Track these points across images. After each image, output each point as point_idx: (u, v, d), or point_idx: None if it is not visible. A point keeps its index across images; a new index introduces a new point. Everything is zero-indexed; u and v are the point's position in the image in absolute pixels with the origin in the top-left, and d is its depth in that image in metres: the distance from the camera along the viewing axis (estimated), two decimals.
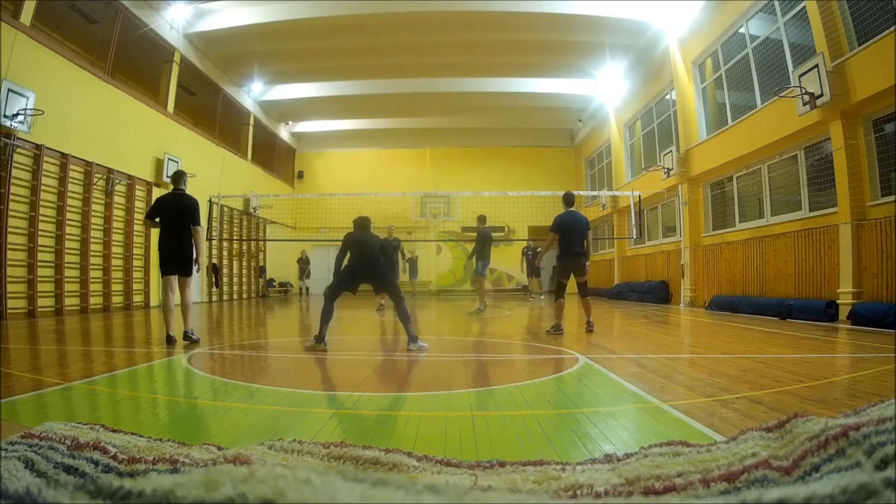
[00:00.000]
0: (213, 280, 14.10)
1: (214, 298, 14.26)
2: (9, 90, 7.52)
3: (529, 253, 13.28)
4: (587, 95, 16.66)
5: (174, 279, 5.13)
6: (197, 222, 5.18)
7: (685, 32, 11.58)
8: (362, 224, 5.04)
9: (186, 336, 4.96)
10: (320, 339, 4.61)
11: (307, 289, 15.85)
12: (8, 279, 7.69)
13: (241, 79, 15.56)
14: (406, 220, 18.43)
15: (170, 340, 4.84)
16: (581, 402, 2.66)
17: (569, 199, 6.19)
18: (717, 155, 10.48)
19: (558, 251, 5.99)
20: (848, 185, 7.10)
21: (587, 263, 6.04)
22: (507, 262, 19.49)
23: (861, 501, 0.58)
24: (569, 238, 5.90)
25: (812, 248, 7.94)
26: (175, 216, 5.09)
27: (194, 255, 5.17)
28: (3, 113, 7.41)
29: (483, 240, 9.37)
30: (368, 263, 4.81)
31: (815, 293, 7.77)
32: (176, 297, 5.19)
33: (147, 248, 10.99)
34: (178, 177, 5.31)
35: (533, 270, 13.22)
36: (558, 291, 6.05)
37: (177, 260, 5.10)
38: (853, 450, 0.96)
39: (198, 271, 5.27)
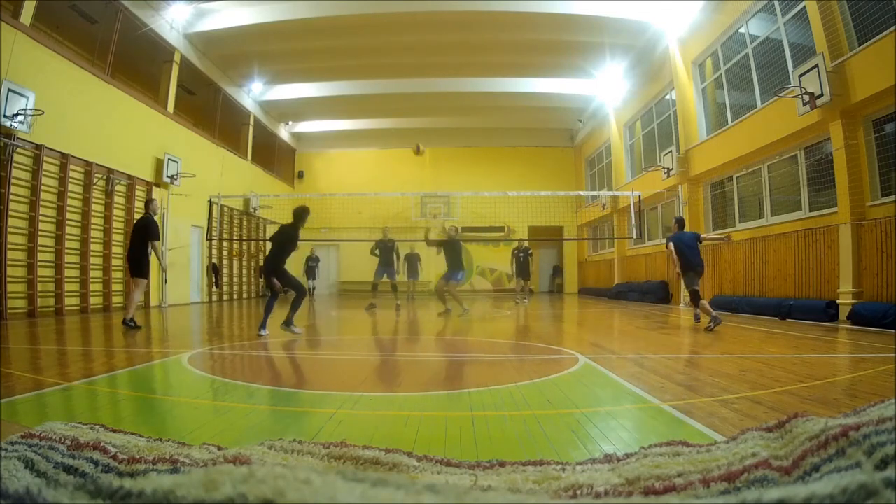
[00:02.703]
0: (213, 280, 14.10)
1: (214, 298, 14.25)
2: (9, 90, 7.52)
3: (521, 255, 13.12)
4: (587, 95, 16.66)
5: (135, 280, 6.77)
6: (152, 238, 6.59)
7: (685, 32, 11.58)
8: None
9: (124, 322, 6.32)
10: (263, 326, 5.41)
11: (313, 289, 15.47)
12: (8, 279, 7.68)
13: (241, 79, 15.56)
14: (406, 219, 18.41)
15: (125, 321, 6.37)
16: (581, 402, 2.66)
17: (681, 223, 7.24)
18: (717, 155, 10.47)
19: (683, 264, 6.82)
20: (848, 185, 7.10)
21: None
22: (507, 262, 19.47)
23: (861, 501, 0.58)
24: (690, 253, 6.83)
25: (812, 248, 7.94)
26: (133, 235, 6.82)
27: (147, 264, 6.65)
28: (3, 113, 7.40)
29: (455, 249, 9.25)
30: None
31: (815, 293, 7.77)
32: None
33: None
34: (147, 205, 6.94)
35: (522, 272, 13.11)
36: (698, 297, 6.66)
37: (129, 265, 6.82)
38: (853, 450, 0.96)
39: (147, 276, 6.74)
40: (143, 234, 6.57)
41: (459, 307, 8.96)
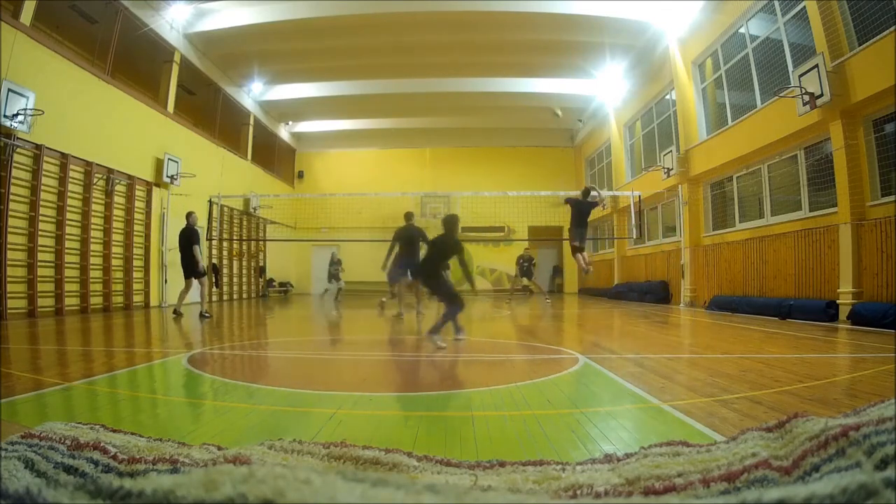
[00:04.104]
0: (213, 280, 14.09)
1: (214, 298, 14.25)
2: (9, 90, 7.51)
3: (525, 264, 13.06)
4: (587, 95, 16.65)
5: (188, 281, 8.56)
6: (194, 242, 8.36)
7: (685, 32, 11.58)
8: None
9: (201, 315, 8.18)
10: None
11: (340, 289, 14.54)
12: (8, 279, 7.68)
13: (241, 79, 15.55)
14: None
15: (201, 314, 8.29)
16: (581, 402, 2.66)
17: (586, 192, 9.13)
18: (717, 155, 10.47)
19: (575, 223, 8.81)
20: (848, 185, 7.10)
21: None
22: (508, 262, 19.47)
23: (861, 501, 0.58)
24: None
25: (812, 248, 7.93)
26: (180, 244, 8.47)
27: (199, 265, 8.40)
28: (3, 113, 7.40)
29: (409, 240, 8.19)
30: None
31: (815, 293, 7.77)
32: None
33: (147, 249, 10.99)
34: (188, 216, 8.46)
35: (524, 276, 13.16)
36: (577, 251, 9.03)
37: (183, 270, 8.47)
38: (853, 450, 0.96)
39: (204, 273, 8.57)
40: (186, 242, 8.26)
41: (399, 306, 8.41)
